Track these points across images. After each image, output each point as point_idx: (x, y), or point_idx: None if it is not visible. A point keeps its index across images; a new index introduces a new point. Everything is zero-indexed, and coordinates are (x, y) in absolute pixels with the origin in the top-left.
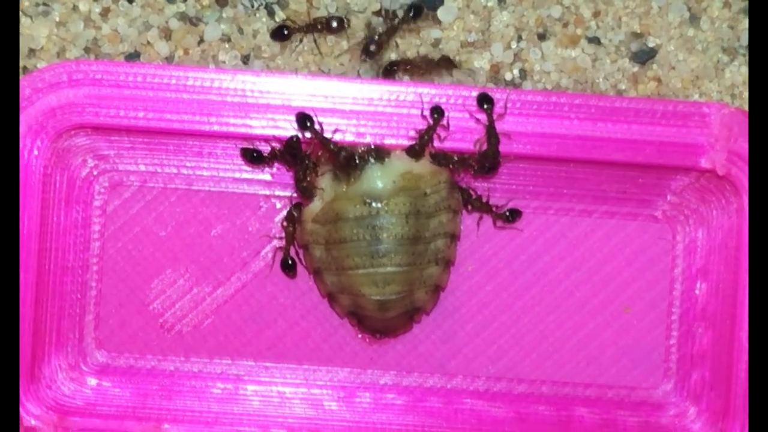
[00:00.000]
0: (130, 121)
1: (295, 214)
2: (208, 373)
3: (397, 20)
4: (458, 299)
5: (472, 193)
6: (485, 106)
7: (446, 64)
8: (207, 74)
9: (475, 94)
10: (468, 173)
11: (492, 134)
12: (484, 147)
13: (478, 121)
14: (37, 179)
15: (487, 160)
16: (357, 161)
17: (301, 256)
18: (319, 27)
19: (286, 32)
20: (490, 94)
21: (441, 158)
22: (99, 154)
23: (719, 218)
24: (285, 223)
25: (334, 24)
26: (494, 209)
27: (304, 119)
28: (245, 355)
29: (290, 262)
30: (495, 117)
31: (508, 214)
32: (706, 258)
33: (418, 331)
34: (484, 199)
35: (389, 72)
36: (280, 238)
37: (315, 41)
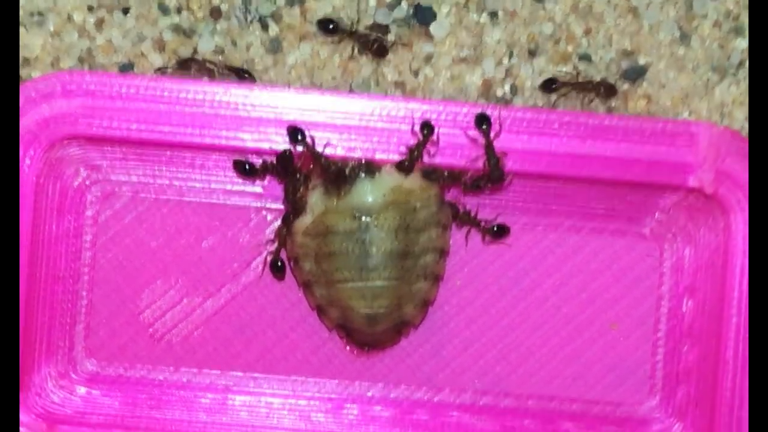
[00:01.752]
0: (123, 132)
1: (293, 218)
2: (197, 383)
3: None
4: (446, 314)
5: (460, 207)
6: (483, 127)
7: (608, 90)
8: (200, 87)
9: (465, 110)
10: (458, 188)
11: (491, 154)
12: (486, 167)
13: (474, 140)
14: (29, 189)
15: (495, 180)
16: (347, 175)
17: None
18: (365, 43)
19: (331, 26)
20: (487, 114)
21: (431, 174)
22: (91, 164)
23: (706, 236)
24: (280, 225)
25: (375, 46)
26: (483, 224)
27: (295, 132)
28: (234, 366)
29: (279, 264)
30: (492, 136)
31: (495, 229)
32: (693, 276)
33: (406, 344)
34: (473, 214)
35: (549, 89)
36: (271, 242)
37: (352, 50)
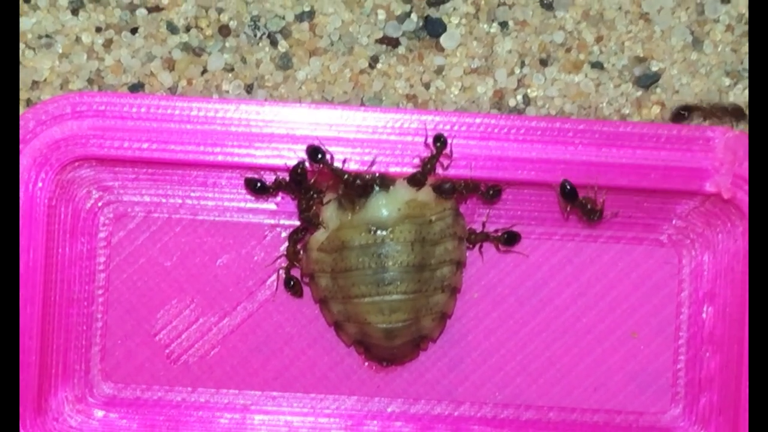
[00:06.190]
0: (135, 152)
1: (298, 236)
2: (215, 403)
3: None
4: (464, 326)
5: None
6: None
7: (736, 112)
8: (211, 104)
9: (478, 121)
10: (475, 199)
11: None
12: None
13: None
14: (41, 211)
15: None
16: (365, 191)
17: (303, 278)
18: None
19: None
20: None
21: (443, 190)
22: (103, 185)
23: (725, 242)
24: (288, 243)
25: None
26: (492, 234)
27: (315, 152)
28: (252, 384)
29: (292, 282)
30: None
31: (506, 236)
32: (712, 282)
33: (425, 358)
34: (479, 230)
35: (679, 116)
36: (284, 258)
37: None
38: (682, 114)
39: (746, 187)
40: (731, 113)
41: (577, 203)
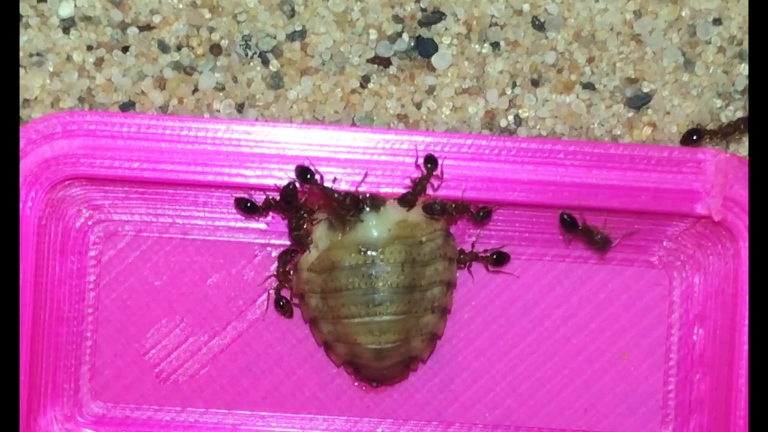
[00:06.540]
0: (125, 171)
1: (288, 257)
2: (204, 423)
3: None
4: (455, 347)
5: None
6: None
7: (740, 123)
8: (201, 124)
9: (469, 142)
10: (464, 219)
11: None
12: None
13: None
14: (31, 230)
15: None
16: (356, 208)
17: (294, 298)
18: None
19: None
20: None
21: (434, 212)
22: (94, 204)
23: (716, 264)
24: (278, 264)
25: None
26: (480, 254)
27: (304, 172)
28: (241, 404)
29: (282, 303)
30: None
31: (495, 257)
32: (703, 304)
33: (415, 379)
34: (468, 250)
35: (688, 140)
36: (274, 279)
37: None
38: (691, 138)
39: (737, 210)
40: (737, 125)
41: (581, 232)
